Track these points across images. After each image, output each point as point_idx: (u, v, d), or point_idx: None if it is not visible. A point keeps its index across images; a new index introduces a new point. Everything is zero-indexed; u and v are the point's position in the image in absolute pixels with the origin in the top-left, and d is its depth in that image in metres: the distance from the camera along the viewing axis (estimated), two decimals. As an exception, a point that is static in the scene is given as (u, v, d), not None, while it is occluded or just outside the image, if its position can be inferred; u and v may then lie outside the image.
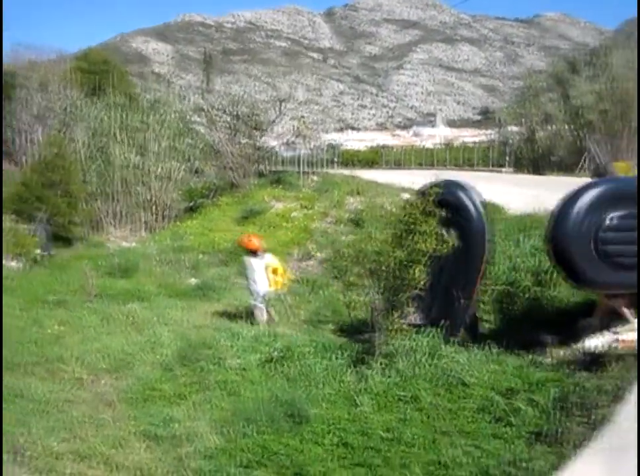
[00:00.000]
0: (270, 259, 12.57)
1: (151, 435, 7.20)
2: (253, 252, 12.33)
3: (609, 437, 5.42)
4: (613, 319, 8.30)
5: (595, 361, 7.13)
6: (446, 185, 9.53)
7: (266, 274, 12.16)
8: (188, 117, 33.21)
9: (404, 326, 8.42)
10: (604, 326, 8.22)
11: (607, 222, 7.64)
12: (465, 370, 7.33)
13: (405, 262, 8.16)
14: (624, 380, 6.24)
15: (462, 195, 9.25)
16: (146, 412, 7.95)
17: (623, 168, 9.14)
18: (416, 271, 8.16)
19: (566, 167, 33.25)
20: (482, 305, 10.15)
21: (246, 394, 7.95)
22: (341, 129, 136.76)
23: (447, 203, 9.00)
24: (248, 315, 12.20)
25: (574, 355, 7.71)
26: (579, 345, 8.03)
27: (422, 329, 8.51)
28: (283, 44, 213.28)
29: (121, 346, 10.49)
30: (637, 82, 28.77)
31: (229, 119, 32.23)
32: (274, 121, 33.77)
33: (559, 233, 7.79)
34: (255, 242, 12.52)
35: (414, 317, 9.07)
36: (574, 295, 9.55)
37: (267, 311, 12.16)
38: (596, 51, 40.72)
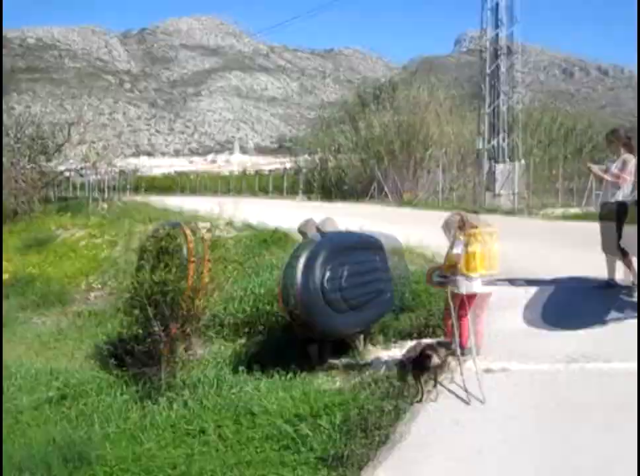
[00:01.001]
0: None
1: None
2: None
3: (386, 456, 5.59)
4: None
5: (379, 382, 7.35)
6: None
7: None
8: (-35, 138, 30.90)
9: (192, 357, 8.25)
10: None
11: (327, 274, 7.93)
12: (253, 399, 7.27)
13: (190, 293, 8.00)
14: (402, 400, 6.48)
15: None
16: None
17: (335, 223, 9.86)
18: (203, 301, 8.04)
19: (357, 195, 34.83)
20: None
21: (18, 441, 7.34)
22: (136, 155, 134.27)
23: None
24: None
25: (360, 378, 7.91)
26: (366, 368, 8.28)
27: (211, 361, 8.38)
28: (77, 65, 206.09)
29: None
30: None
31: (12, 142, 30.51)
32: (61, 145, 32.46)
33: (287, 292, 7.90)
34: None
35: None
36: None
37: None
38: (385, 86, 43.27)
